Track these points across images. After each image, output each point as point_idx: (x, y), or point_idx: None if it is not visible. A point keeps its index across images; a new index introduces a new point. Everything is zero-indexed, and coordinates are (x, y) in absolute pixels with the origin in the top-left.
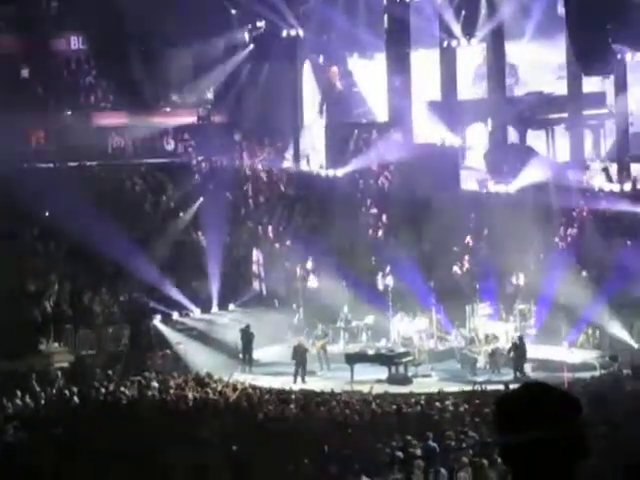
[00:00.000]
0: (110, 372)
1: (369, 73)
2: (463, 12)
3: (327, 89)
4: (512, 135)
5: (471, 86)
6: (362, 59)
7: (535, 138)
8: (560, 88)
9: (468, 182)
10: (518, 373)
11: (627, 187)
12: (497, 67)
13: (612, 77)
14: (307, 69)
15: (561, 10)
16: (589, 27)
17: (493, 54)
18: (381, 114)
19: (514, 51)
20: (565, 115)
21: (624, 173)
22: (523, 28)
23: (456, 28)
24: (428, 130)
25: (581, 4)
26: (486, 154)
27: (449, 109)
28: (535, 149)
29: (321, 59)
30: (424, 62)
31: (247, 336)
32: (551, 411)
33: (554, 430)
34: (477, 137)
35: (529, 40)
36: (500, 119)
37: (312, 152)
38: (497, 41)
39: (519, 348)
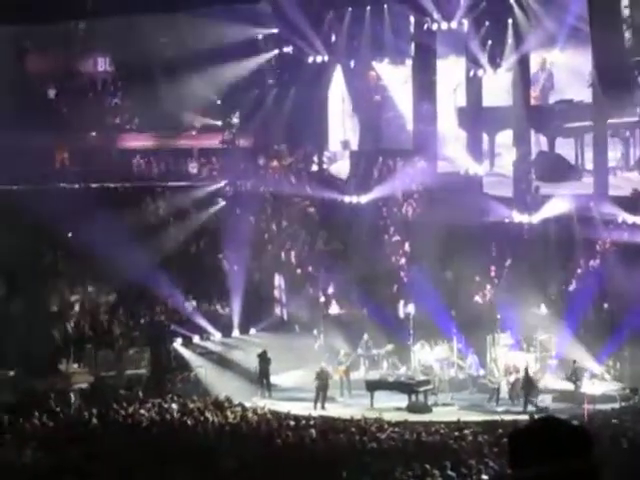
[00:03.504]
0: (130, 394)
1: (399, 79)
2: (489, 42)
3: (365, 92)
4: (542, 143)
5: (505, 95)
6: (391, 65)
7: (565, 146)
8: (590, 96)
9: (496, 189)
10: (530, 405)
11: None
12: (523, 86)
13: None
14: (337, 75)
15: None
16: (615, 60)
17: (520, 78)
18: (409, 120)
19: (547, 58)
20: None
21: None
22: (556, 36)
23: (482, 57)
24: (453, 153)
25: (606, 39)
26: (515, 161)
27: (475, 120)
28: (564, 157)
29: (353, 64)
30: (449, 84)
31: (264, 361)
32: (563, 446)
33: (566, 464)
34: (506, 144)
35: (561, 48)
36: (526, 127)
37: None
38: (523, 68)
39: (526, 380)
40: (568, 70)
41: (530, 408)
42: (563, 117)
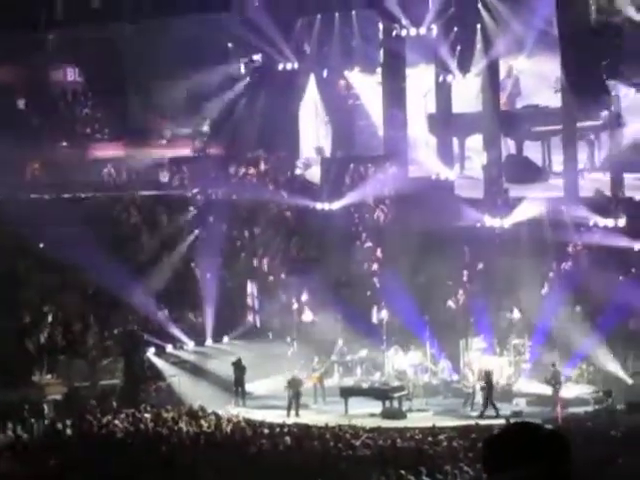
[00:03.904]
0: (104, 404)
1: (371, 90)
2: (459, 47)
3: (337, 100)
4: (511, 147)
5: (474, 100)
6: (363, 73)
7: (532, 150)
8: (556, 101)
9: (467, 192)
10: (491, 409)
11: (621, 222)
12: (492, 91)
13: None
14: (311, 83)
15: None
16: (584, 65)
17: (489, 82)
18: (381, 126)
19: (514, 65)
20: (560, 127)
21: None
22: (524, 40)
23: (452, 63)
24: (424, 158)
25: (576, 44)
26: (486, 165)
27: (444, 126)
28: (532, 159)
29: (325, 73)
30: (419, 90)
31: (239, 369)
32: (538, 450)
33: (542, 468)
34: (476, 148)
35: (528, 55)
36: (495, 132)
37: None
38: (493, 72)
39: (487, 384)
40: (534, 76)
41: (491, 412)
42: (530, 121)
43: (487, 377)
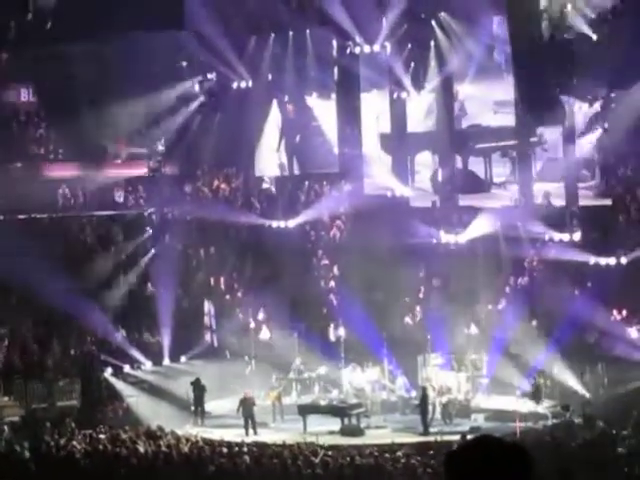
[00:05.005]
0: (62, 426)
1: (327, 110)
2: (412, 64)
3: (291, 119)
4: (457, 162)
5: (423, 119)
6: (320, 99)
7: (475, 164)
8: (495, 121)
9: (417, 202)
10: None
11: (576, 236)
12: (446, 109)
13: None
14: (274, 109)
15: (497, 57)
16: (537, 81)
17: (443, 100)
18: (336, 145)
19: (459, 90)
20: (501, 144)
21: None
22: (465, 70)
23: (406, 80)
24: (379, 175)
25: (528, 60)
26: (432, 176)
27: (399, 144)
28: (475, 172)
29: (280, 93)
30: (372, 111)
31: (198, 389)
32: (499, 464)
33: None
34: (425, 162)
35: (470, 81)
36: (446, 148)
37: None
38: (446, 89)
39: (422, 400)
40: (476, 99)
41: (429, 430)
42: (475, 139)
43: (423, 392)
